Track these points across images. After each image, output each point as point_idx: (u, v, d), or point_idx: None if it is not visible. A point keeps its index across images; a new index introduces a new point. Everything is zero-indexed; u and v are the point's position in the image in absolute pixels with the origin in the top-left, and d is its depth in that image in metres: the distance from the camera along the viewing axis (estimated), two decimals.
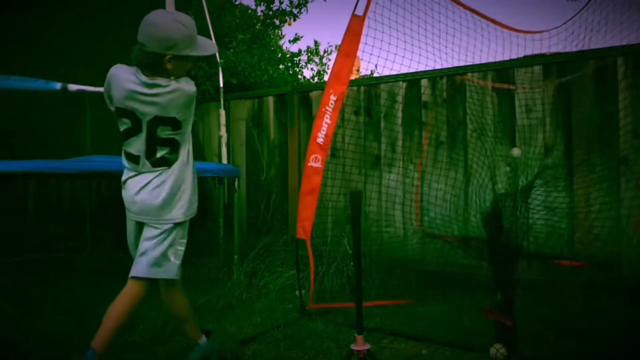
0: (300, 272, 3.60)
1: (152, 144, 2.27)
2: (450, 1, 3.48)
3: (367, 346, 2.19)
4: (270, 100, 5.22)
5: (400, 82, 4.52)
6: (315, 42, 6.62)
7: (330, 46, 6.83)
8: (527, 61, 3.99)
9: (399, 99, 4.54)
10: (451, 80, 4.33)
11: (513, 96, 4.06)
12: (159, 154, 2.28)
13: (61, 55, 4.85)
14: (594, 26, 3.44)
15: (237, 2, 5.74)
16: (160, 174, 2.30)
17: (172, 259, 2.35)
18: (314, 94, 5.02)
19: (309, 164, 3.41)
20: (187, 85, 2.29)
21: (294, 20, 5.63)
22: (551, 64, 3.94)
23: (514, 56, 3.77)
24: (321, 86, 5.23)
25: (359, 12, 3.36)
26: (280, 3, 5.70)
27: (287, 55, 6.47)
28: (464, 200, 4.16)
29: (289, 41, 6.49)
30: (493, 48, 3.69)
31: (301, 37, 6.46)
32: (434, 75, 4.37)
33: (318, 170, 3.41)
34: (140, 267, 2.32)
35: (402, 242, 4.35)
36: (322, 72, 6.98)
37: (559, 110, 3.91)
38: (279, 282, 3.90)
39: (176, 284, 2.44)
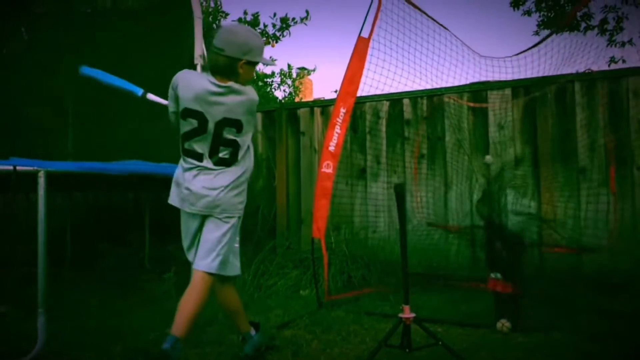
0: (308, 271, 3.88)
1: (217, 144, 2.47)
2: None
3: (413, 314, 2.50)
4: (259, 116, 5.51)
5: (384, 101, 4.99)
6: (289, 66, 7.00)
7: (304, 70, 7.22)
8: (499, 84, 4.57)
9: (383, 115, 5.01)
10: (430, 101, 4.86)
11: (487, 114, 4.63)
12: (221, 154, 2.47)
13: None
14: (553, 54, 4.08)
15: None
16: (220, 172, 2.48)
17: (233, 255, 2.54)
18: (301, 111, 5.37)
19: (322, 170, 3.74)
20: (253, 92, 2.54)
21: (277, 42, 6.01)
22: (519, 87, 4.54)
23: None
24: (308, 104, 5.62)
25: (365, 34, 3.78)
26: (265, 27, 6.06)
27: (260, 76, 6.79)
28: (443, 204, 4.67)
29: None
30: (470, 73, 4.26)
31: (275, 60, 6.83)
32: (414, 96, 4.88)
33: (330, 176, 3.75)
34: (206, 263, 2.45)
35: (389, 246, 4.73)
36: (292, 95, 7.34)
37: (526, 126, 4.50)
38: (284, 283, 4.15)
39: (230, 280, 2.60)
